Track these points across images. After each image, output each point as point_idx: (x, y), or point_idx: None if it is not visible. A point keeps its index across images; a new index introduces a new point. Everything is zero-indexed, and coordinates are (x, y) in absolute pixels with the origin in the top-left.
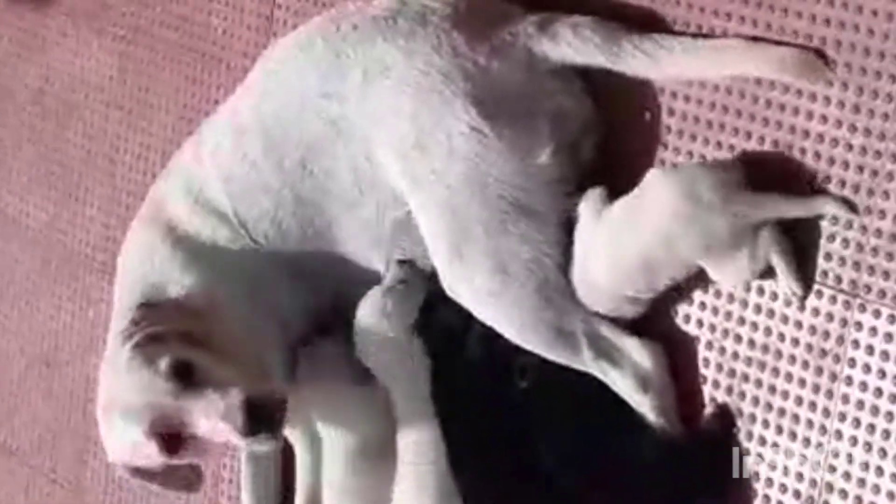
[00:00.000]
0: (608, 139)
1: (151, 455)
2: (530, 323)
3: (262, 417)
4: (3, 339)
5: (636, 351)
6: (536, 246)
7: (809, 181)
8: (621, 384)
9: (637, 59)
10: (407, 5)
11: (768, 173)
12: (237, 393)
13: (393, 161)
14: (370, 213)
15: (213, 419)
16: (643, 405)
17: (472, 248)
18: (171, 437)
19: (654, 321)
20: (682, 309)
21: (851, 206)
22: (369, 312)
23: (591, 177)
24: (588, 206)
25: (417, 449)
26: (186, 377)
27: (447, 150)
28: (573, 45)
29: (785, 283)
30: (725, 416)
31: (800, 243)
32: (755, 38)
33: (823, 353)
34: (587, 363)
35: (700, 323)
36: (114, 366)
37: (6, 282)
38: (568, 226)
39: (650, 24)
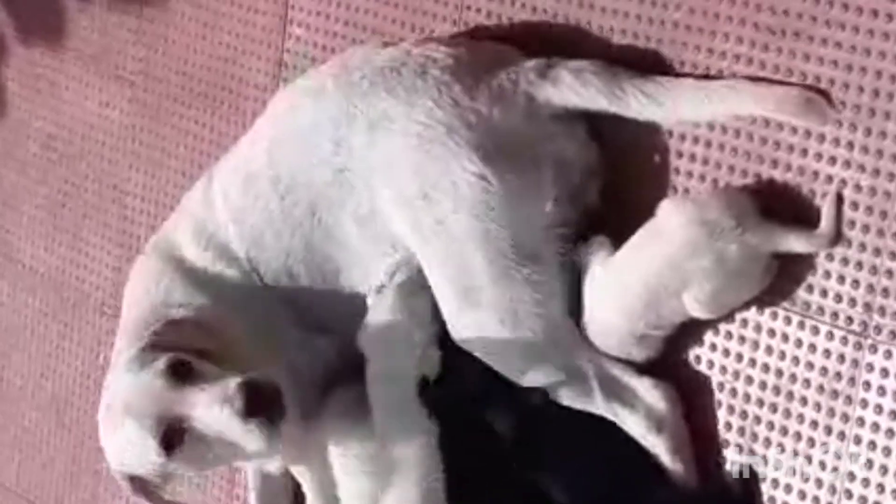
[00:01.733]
0: (615, 182)
1: (150, 453)
2: (541, 368)
3: (261, 401)
4: (14, 383)
5: (649, 392)
6: (541, 290)
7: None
8: (634, 425)
9: (640, 102)
10: (411, 56)
11: (777, 214)
12: (235, 376)
13: (397, 212)
14: (374, 264)
15: (212, 405)
16: (657, 446)
17: (479, 297)
18: (170, 433)
19: (666, 364)
20: (694, 351)
21: (862, 245)
22: (381, 310)
23: (598, 220)
24: (595, 253)
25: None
26: (185, 375)
27: (452, 200)
28: (575, 89)
29: None
30: (738, 459)
31: (809, 282)
32: (761, 79)
33: (835, 393)
34: (599, 405)
35: (711, 364)
36: (115, 372)
37: (16, 326)
38: (571, 268)
39: (656, 68)
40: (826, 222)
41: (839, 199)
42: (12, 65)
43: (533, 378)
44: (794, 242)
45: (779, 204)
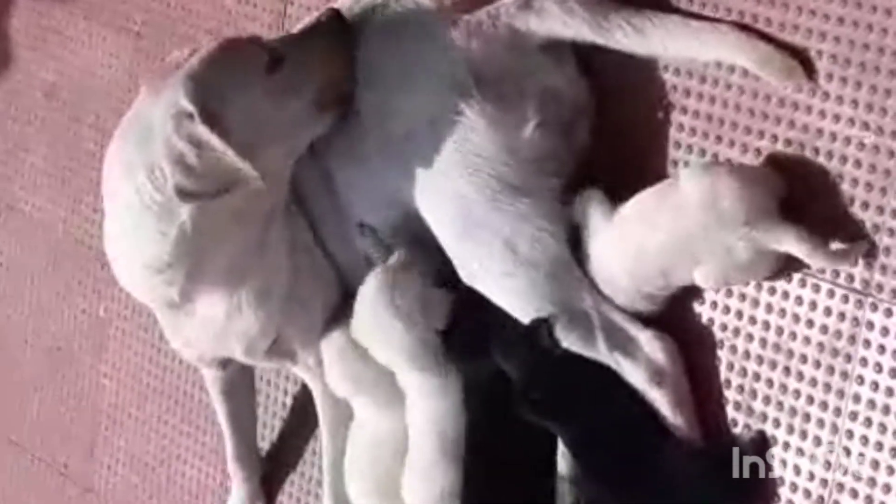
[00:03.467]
0: (620, 136)
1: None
2: (544, 305)
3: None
4: (14, 333)
5: (649, 343)
6: (537, 224)
7: (823, 182)
8: (635, 376)
9: (625, 33)
10: (398, 2)
11: (782, 172)
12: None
13: (382, 153)
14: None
15: None
16: (658, 400)
17: (477, 231)
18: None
19: (667, 320)
20: (695, 308)
21: (865, 204)
22: (377, 289)
23: (590, 165)
24: (591, 205)
25: (428, 420)
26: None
27: (433, 136)
28: (559, 18)
29: None
30: (737, 416)
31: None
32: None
33: (835, 351)
34: (602, 352)
35: (712, 321)
36: None
37: (18, 276)
38: (566, 204)
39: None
40: (846, 248)
41: (871, 244)
42: (17, 15)
43: (535, 314)
44: (804, 253)
45: (783, 162)
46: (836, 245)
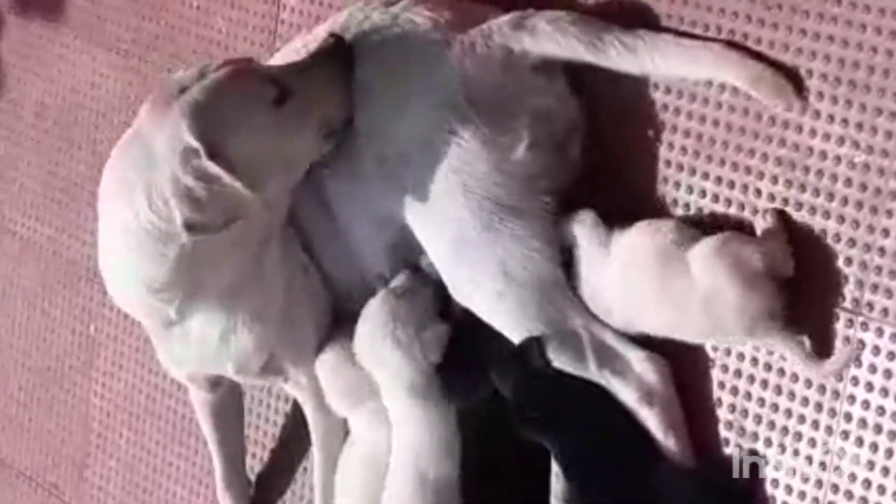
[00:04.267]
0: (611, 154)
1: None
2: (535, 325)
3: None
4: (5, 353)
5: (640, 363)
6: (528, 244)
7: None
8: (626, 396)
9: (618, 52)
10: (397, 22)
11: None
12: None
13: (379, 174)
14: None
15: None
16: (649, 420)
17: (470, 252)
18: (283, 91)
19: (659, 338)
20: None
21: (856, 222)
22: (379, 312)
23: (590, 187)
24: (588, 228)
25: (410, 454)
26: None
27: (427, 157)
28: (553, 37)
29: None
30: (727, 435)
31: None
32: (741, 48)
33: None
34: (592, 372)
35: None
36: None
37: (8, 296)
38: (558, 222)
39: (637, 22)
40: (835, 360)
41: (859, 349)
42: (6, 34)
43: (527, 334)
44: (797, 361)
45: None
46: (829, 364)
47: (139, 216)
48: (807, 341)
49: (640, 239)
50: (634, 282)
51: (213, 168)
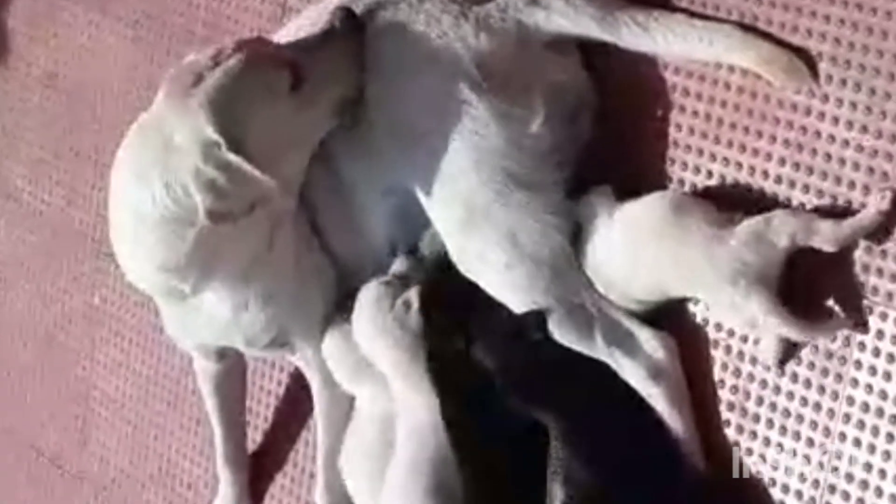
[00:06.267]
0: (620, 133)
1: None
2: (544, 298)
3: None
4: (8, 321)
5: (648, 341)
6: (539, 217)
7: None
8: (632, 373)
9: (631, 31)
10: None
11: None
12: None
13: (389, 144)
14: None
15: None
16: (655, 397)
17: (480, 223)
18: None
19: (662, 319)
20: (689, 307)
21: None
22: (370, 302)
23: (600, 164)
24: (599, 203)
25: (416, 433)
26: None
27: (441, 127)
28: (566, 14)
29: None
30: (730, 416)
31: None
32: (753, 29)
33: (829, 354)
34: (599, 348)
35: (706, 321)
36: None
37: (13, 264)
38: (570, 197)
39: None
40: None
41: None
42: (14, 4)
43: (533, 307)
44: (797, 338)
45: (780, 164)
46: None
47: (156, 201)
48: None
49: (643, 203)
50: (634, 236)
51: (235, 159)
